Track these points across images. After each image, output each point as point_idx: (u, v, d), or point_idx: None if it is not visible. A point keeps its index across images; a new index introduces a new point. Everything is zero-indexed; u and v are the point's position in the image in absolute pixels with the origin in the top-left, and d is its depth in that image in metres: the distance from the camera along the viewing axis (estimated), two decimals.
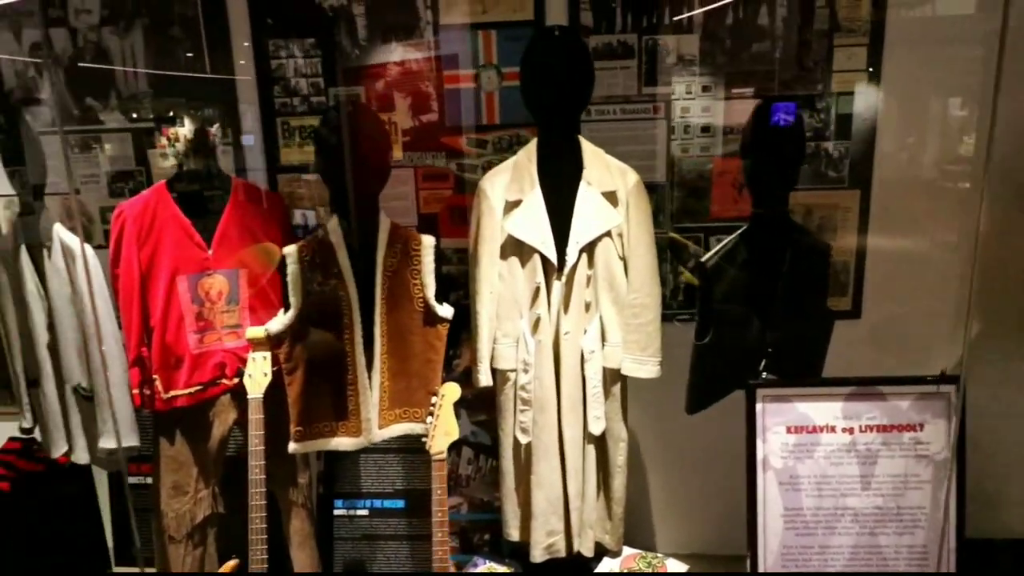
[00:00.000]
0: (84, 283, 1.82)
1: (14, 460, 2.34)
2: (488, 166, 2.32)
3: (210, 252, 2.03)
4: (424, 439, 1.91)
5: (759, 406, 1.71)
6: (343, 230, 1.85)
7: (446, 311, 1.95)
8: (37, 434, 2.16)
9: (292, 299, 1.83)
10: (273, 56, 2.32)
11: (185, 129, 2.17)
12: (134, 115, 2.44)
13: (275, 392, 1.94)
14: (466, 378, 2.08)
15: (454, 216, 2.39)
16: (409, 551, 2.45)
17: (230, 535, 2.26)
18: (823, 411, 1.68)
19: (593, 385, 1.96)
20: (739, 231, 1.76)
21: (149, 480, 2.54)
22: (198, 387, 2.06)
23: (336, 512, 2.48)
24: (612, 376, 1.99)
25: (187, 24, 2.34)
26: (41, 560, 2.40)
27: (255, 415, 1.92)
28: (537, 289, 1.93)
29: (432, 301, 1.91)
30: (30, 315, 1.95)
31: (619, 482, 2.05)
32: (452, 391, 1.92)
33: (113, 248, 1.97)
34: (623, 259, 1.93)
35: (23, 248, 1.92)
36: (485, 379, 2.00)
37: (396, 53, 2.29)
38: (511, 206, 1.91)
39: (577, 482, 2.02)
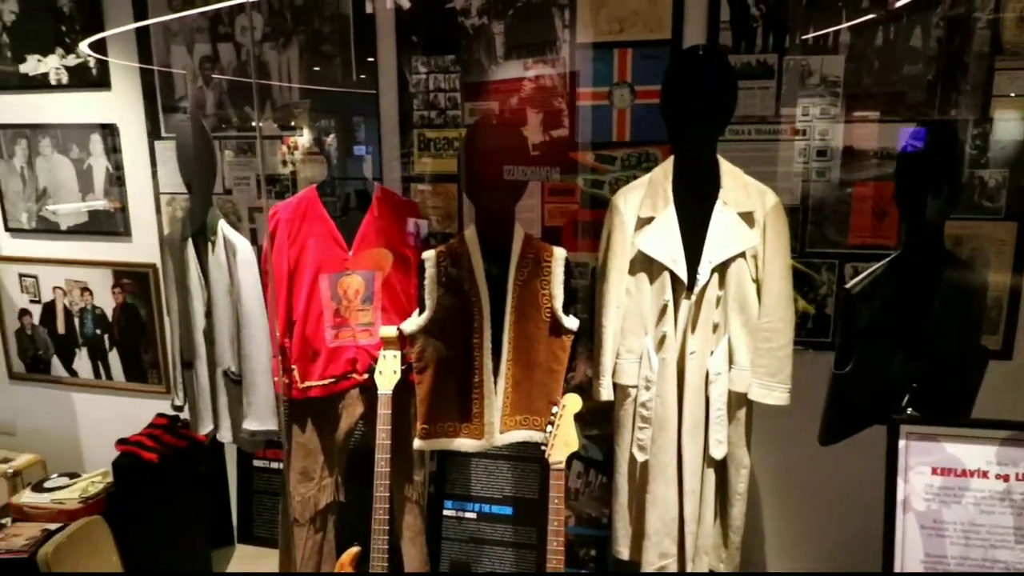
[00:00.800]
0: (241, 276, 1.96)
1: (161, 435, 2.54)
2: (615, 182, 2.33)
3: (350, 253, 2.14)
4: (543, 447, 1.92)
5: (902, 443, 1.62)
6: (479, 238, 1.90)
7: (572, 323, 1.96)
8: (186, 412, 2.33)
9: (427, 301, 1.91)
10: (415, 71, 2.42)
11: (303, 139, 2.35)
12: (289, 123, 2.60)
13: (399, 390, 2.01)
14: (579, 391, 2.09)
15: (578, 230, 2.41)
16: (514, 558, 2.47)
17: (348, 524, 2.37)
18: (975, 454, 1.57)
19: (717, 408, 1.91)
20: (889, 258, 1.69)
21: (273, 464, 2.76)
22: (331, 380, 2.17)
23: (445, 512, 2.54)
24: (737, 400, 1.94)
25: (338, 41, 2.49)
26: (176, 529, 2.58)
27: (384, 410, 2.00)
28: (665, 307, 1.91)
29: (560, 312, 1.94)
30: (191, 302, 2.11)
31: (738, 510, 1.99)
32: (573, 402, 1.93)
33: (267, 245, 2.12)
34: (756, 281, 1.88)
35: (189, 240, 2.08)
36: (607, 393, 2.00)
37: (531, 70, 2.35)
38: (643, 222, 1.91)
39: (694, 505, 1.98)
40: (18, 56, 2.80)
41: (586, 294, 2.36)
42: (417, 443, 2.00)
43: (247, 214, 2.70)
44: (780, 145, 2.19)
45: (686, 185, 1.88)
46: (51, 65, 2.77)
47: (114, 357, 2.98)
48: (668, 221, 1.87)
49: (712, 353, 1.91)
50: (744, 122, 2.18)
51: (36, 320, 3.04)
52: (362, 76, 2.49)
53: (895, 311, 1.64)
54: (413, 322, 1.93)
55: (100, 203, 2.80)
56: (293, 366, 2.15)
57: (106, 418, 3.05)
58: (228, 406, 2.12)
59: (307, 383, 2.16)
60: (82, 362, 3.03)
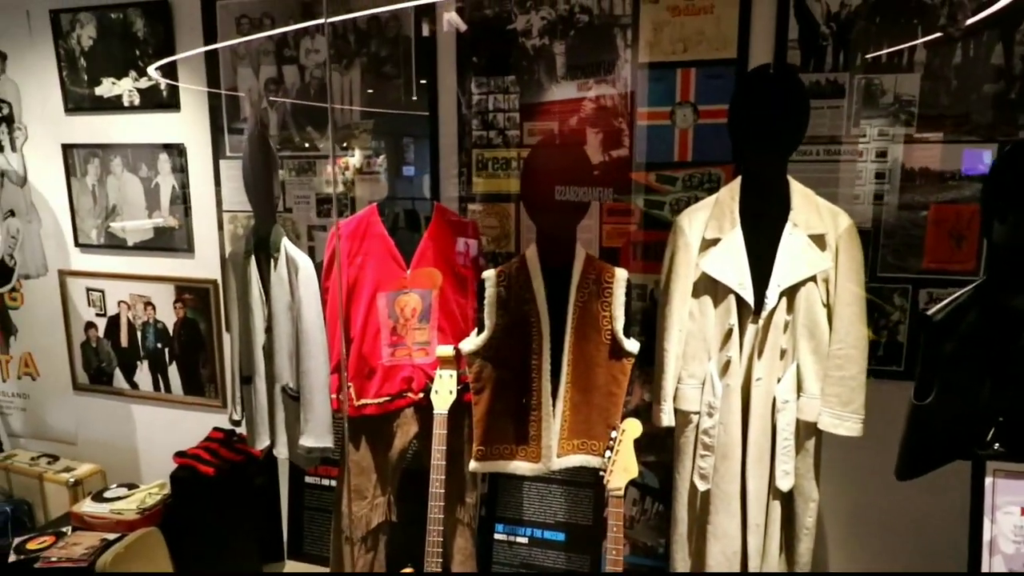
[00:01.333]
0: (302, 293, 1.97)
1: (218, 448, 2.56)
2: (676, 203, 2.29)
3: (408, 272, 2.13)
4: (601, 473, 1.87)
5: (988, 481, 1.52)
6: (540, 258, 1.87)
7: (632, 346, 1.92)
8: (243, 427, 2.34)
9: (486, 322, 1.88)
10: (474, 92, 2.43)
11: (355, 159, 2.36)
12: (344, 144, 2.64)
13: (454, 411, 1.99)
14: (635, 416, 2.03)
15: (636, 252, 2.36)
16: None
17: (399, 544, 2.35)
18: None
19: (784, 437, 1.84)
20: (973, 284, 1.60)
21: (324, 482, 2.74)
22: (386, 398, 2.16)
23: (496, 536, 2.49)
24: (806, 430, 1.86)
25: (400, 62, 2.51)
26: (229, 542, 2.59)
27: (439, 430, 1.98)
28: (730, 331, 1.85)
29: (620, 335, 1.89)
30: (252, 318, 2.13)
31: (806, 546, 1.90)
32: (633, 427, 1.88)
33: (327, 262, 2.13)
34: (827, 307, 1.81)
35: (252, 257, 2.11)
36: (668, 419, 1.94)
37: (591, 90, 2.33)
38: (708, 244, 1.86)
39: (758, 539, 1.90)
40: (94, 79, 2.91)
41: (644, 317, 2.31)
42: (473, 465, 1.97)
43: (306, 232, 2.72)
44: (849, 166, 2.11)
45: (754, 206, 1.83)
46: (124, 87, 2.87)
47: (173, 371, 3.03)
48: (735, 243, 1.82)
49: (779, 380, 1.84)
50: (813, 142, 2.11)
51: (101, 333, 3.12)
52: (420, 97, 2.50)
53: (981, 340, 1.55)
54: (471, 342, 1.91)
55: (161, 220, 2.87)
56: (349, 383, 2.15)
57: (164, 430, 3.10)
58: (285, 422, 2.12)
59: (363, 400, 2.16)
60: (143, 375, 3.09)
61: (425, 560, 1.94)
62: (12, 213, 3.16)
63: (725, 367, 1.87)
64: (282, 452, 2.14)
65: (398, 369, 2.16)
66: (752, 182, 1.84)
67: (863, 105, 2.08)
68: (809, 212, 1.79)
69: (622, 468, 1.86)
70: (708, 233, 1.86)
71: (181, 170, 2.85)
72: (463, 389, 2.06)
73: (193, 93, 2.78)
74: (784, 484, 1.85)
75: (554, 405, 1.91)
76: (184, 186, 2.86)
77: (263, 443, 2.21)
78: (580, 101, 2.35)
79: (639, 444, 2.23)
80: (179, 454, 2.56)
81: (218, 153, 2.79)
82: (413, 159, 2.59)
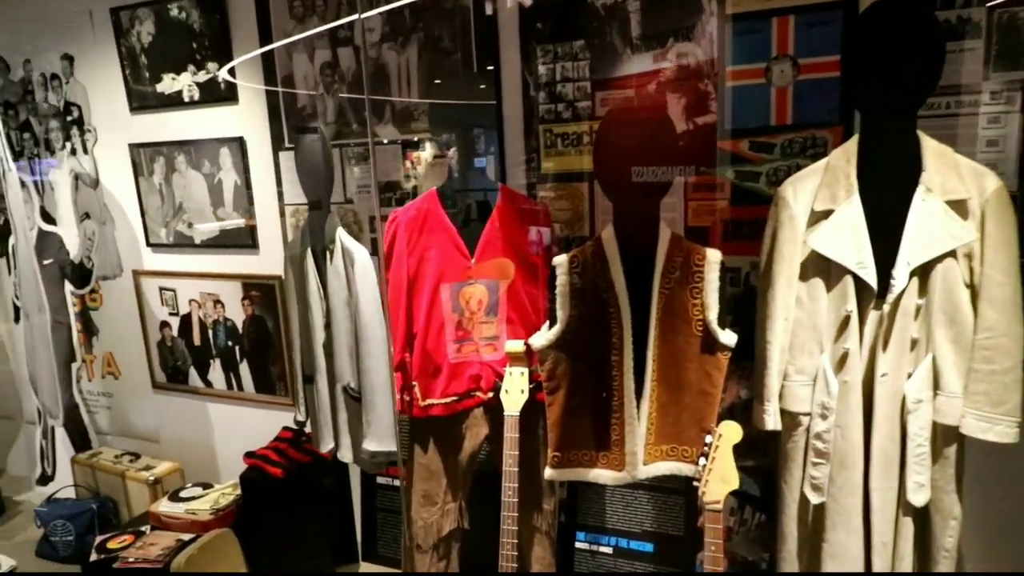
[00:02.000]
0: (360, 287, 1.81)
1: (287, 448, 2.47)
2: (773, 173, 2.00)
3: (472, 261, 1.95)
4: (694, 482, 1.63)
5: None
6: (618, 241, 1.64)
7: (728, 338, 1.66)
8: (309, 427, 2.23)
9: (559, 313, 1.67)
10: (540, 62, 2.21)
11: (426, 153, 2.22)
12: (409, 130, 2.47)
13: (527, 411, 1.81)
14: (730, 416, 1.78)
15: (728, 231, 2.08)
16: None
17: (472, 552, 2.18)
18: None
19: (918, 444, 1.54)
20: None
21: (396, 483, 2.61)
22: (453, 398, 1.99)
23: (578, 544, 2.28)
24: (945, 434, 1.55)
25: (459, 35, 2.31)
26: (301, 544, 2.50)
27: (511, 433, 1.80)
28: (847, 319, 1.57)
29: (714, 325, 1.64)
30: (311, 314, 2.01)
31: (945, 569, 1.59)
32: (732, 431, 1.62)
33: (386, 253, 1.97)
34: (971, 287, 1.49)
35: (309, 251, 1.97)
36: (773, 421, 1.68)
37: (671, 50, 2.06)
38: (819, 217, 1.58)
39: (885, 560, 1.61)
40: (155, 76, 2.86)
41: (738, 304, 2.03)
42: (548, 472, 1.77)
43: (368, 223, 2.57)
44: (990, 119, 1.76)
45: (876, 170, 1.53)
46: (184, 83, 2.80)
47: (244, 369, 2.98)
48: (852, 214, 1.52)
49: (910, 376, 1.54)
50: (943, 93, 1.77)
51: (175, 332, 3.10)
52: (485, 68, 2.29)
53: None
54: (543, 336, 1.70)
55: (240, 221, 2.78)
56: (414, 382, 1.99)
57: (238, 428, 3.05)
58: (348, 423, 2.00)
59: (428, 400, 1.99)
60: (216, 373, 3.05)
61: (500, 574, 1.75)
62: (87, 215, 3.18)
63: (841, 361, 1.59)
64: (346, 456, 2.02)
65: (465, 366, 1.99)
66: (873, 141, 1.54)
67: (1005, 46, 1.72)
68: (947, 173, 1.47)
69: (719, 478, 1.61)
70: (818, 204, 1.58)
71: (242, 165, 2.76)
72: (536, 388, 1.86)
73: (251, 85, 2.68)
74: (918, 498, 1.55)
75: (638, 406, 1.68)
76: (246, 181, 2.77)
77: (327, 445, 2.09)
78: (658, 63, 2.08)
79: (737, 448, 1.98)
80: (249, 455, 2.48)
81: (278, 145, 2.68)
82: (477, 150, 2.40)
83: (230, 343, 2.99)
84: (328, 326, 1.98)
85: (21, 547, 2.90)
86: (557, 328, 1.69)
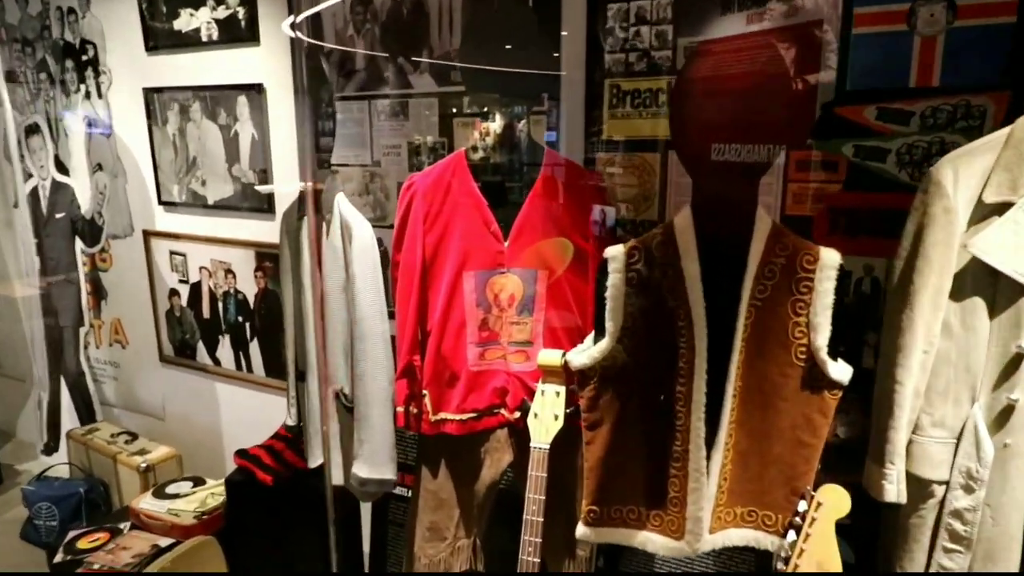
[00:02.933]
0: (358, 269, 1.46)
1: (283, 450, 2.18)
2: (908, 152, 1.55)
3: (506, 244, 1.59)
4: (779, 564, 1.21)
5: None
6: (697, 230, 1.22)
7: (841, 372, 1.23)
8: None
9: (609, 323, 1.27)
10: None
11: (495, 125, 1.85)
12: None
13: (563, 438, 1.45)
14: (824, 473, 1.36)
15: (837, 223, 1.63)
16: None
17: None
18: None
19: None
20: None
21: (408, 492, 2.28)
22: (471, 415, 1.64)
23: None
24: None
25: None
26: (295, 560, 2.20)
27: (537, 472, 1.43)
28: (1017, 359, 1.11)
29: (823, 354, 1.22)
30: (304, 299, 1.67)
31: None
32: (836, 499, 1.22)
33: (398, 228, 1.63)
34: None
35: (304, 221, 1.62)
36: (896, 491, 1.25)
37: None
38: (989, 211, 1.13)
39: None
40: (172, 11, 2.57)
41: (846, 319, 1.58)
42: (581, 531, 1.39)
43: (396, 190, 2.22)
44: None
45: None
46: (202, 19, 2.51)
47: (255, 348, 2.71)
48: None
49: None
50: None
51: (184, 302, 2.88)
52: (540, 9, 1.89)
53: None
54: (586, 352, 1.31)
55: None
56: (424, 391, 1.64)
57: (245, 414, 2.80)
58: (340, 437, 1.66)
59: (441, 415, 1.65)
60: (225, 350, 2.80)
61: None
62: (100, 167, 2.95)
63: (1003, 416, 1.15)
64: (335, 476, 1.69)
65: (488, 376, 1.63)
66: None
67: None
68: None
69: (814, 562, 1.20)
70: (990, 194, 1.13)
71: (260, 115, 2.44)
72: (574, 413, 1.47)
73: (273, 24, 2.36)
74: None
75: (709, 455, 1.27)
76: (263, 134, 2.46)
77: (317, 459, 1.78)
78: (762, 4, 1.64)
79: None
80: (240, 453, 2.20)
81: (302, 93, 2.34)
82: (522, 125, 2.01)
83: (240, 318, 2.72)
84: (323, 315, 1.62)
85: (8, 526, 2.72)
86: (605, 343, 1.29)
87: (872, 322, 1.56)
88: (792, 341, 1.24)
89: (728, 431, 1.27)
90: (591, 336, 1.37)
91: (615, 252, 1.26)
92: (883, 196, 1.56)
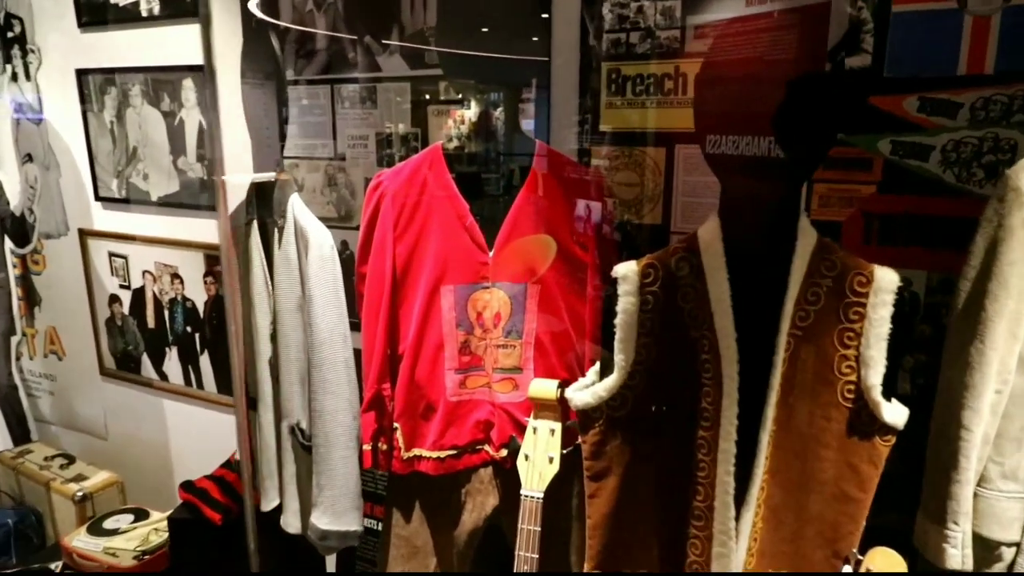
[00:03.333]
0: (315, 285, 1.25)
1: (235, 480, 1.93)
2: (954, 149, 1.38)
3: (491, 254, 1.41)
4: None
5: None
6: (726, 244, 1.03)
7: (896, 414, 1.06)
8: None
9: (619, 356, 1.07)
10: None
11: (471, 112, 1.74)
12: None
13: (558, 479, 1.27)
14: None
15: (874, 230, 1.46)
16: None
17: None
18: None
19: None
20: None
21: (379, 526, 2.07)
22: (450, 452, 1.46)
23: None
24: None
25: None
26: None
27: (529, 525, 1.24)
28: None
29: (876, 393, 1.04)
30: (254, 316, 1.47)
31: None
32: (889, 564, 1.05)
33: (363, 235, 1.43)
34: None
35: (255, 225, 1.41)
36: (959, 556, 1.08)
37: None
38: None
39: None
40: None
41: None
42: None
43: (363, 186, 2.00)
44: None
45: None
46: None
47: (206, 362, 2.49)
48: None
49: None
50: None
51: (126, 309, 2.64)
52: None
53: None
54: (590, 389, 1.12)
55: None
56: (395, 424, 1.45)
57: (196, 435, 2.58)
58: (296, 478, 1.47)
59: (415, 451, 1.47)
60: (172, 364, 2.58)
61: None
62: (29, 158, 2.68)
63: None
64: (292, 523, 1.50)
65: (470, 408, 1.46)
66: None
67: None
68: None
69: None
70: None
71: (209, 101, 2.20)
72: (572, 453, 1.29)
73: None
74: None
75: (738, 514, 1.08)
76: (212, 122, 2.21)
77: (271, 502, 1.57)
78: None
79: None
80: (185, 486, 1.96)
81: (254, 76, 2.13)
82: (499, 113, 1.83)
83: (189, 328, 2.49)
84: (275, 337, 1.41)
85: None
86: (613, 379, 1.10)
87: (910, 344, 1.39)
88: (838, 378, 1.05)
89: (763, 484, 1.08)
90: (594, 369, 1.17)
91: (626, 271, 1.06)
92: (925, 200, 1.39)
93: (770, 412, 1.05)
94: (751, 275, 1.05)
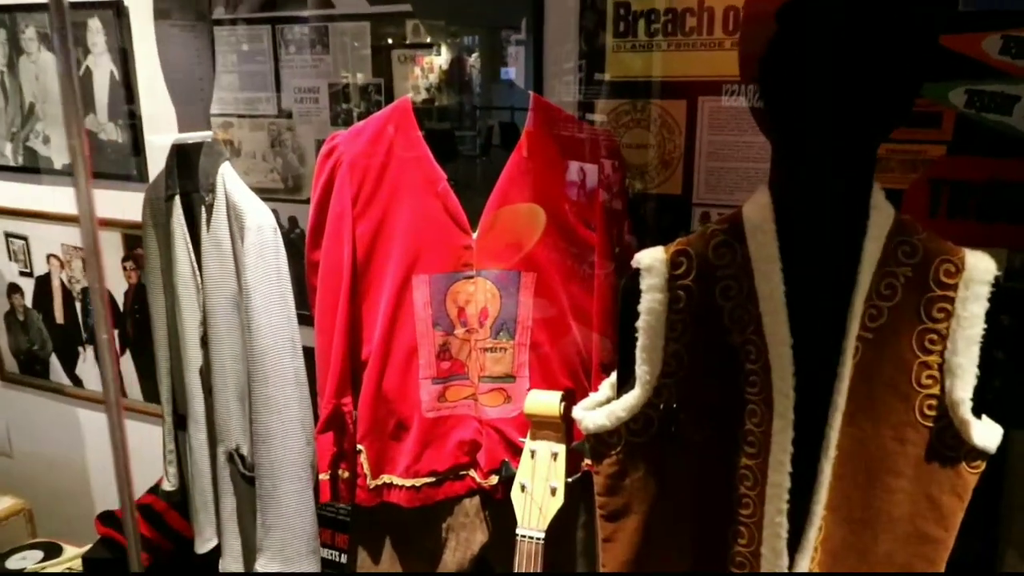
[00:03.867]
0: (252, 277, 1.16)
1: (165, 512, 1.86)
2: None
3: (475, 236, 1.36)
4: None
5: None
6: (779, 225, 0.94)
7: (988, 435, 1.00)
8: None
9: (642, 367, 0.99)
10: None
11: (441, 59, 1.79)
12: None
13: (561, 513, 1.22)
14: None
15: (943, 199, 1.41)
16: None
17: None
18: None
19: None
20: None
21: (343, 559, 2.02)
22: (428, 479, 1.43)
23: None
24: None
25: None
26: None
27: (526, 569, 1.17)
28: None
29: (964, 410, 0.97)
30: (180, 312, 1.38)
31: None
32: None
33: (315, 213, 1.38)
34: None
35: (177, 202, 1.30)
36: None
37: None
38: None
39: None
40: None
41: None
42: None
43: (314, 150, 1.93)
44: None
45: None
46: None
47: (128, 363, 2.43)
48: None
49: None
50: None
51: (29, 301, 2.58)
52: None
53: None
54: (604, 409, 1.04)
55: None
56: (359, 447, 1.41)
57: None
58: (237, 514, 1.41)
59: (384, 479, 1.43)
60: (87, 366, 2.54)
61: None
62: None
63: None
64: (230, 567, 1.42)
65: (451, 425, 1.42)
66: None
67: None
68: None
69: None
70: None
71: (121, 47, 2.14)
72: (580, 483, 1.27)
73: None
74: None
75: (792, 561, 1.01)
76: (127, 73, 2.12)
77: (207, 542, 1.53)
78: None
79: None
80: (104, 518, 1.90)
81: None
82: (474, 60, 1.81)
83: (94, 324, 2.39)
84: (206, 341, 1.32)
85: None
86: (634, 396, 1.01)
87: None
88: (916, 391, 0.97)
89: (823, 522, 1.00)
90: (609, 383, 1.09)
91: (652, 259, 0.97)
92: (1006, 163, 1.34)
93: (833, 435, 0.97)
94: (809, 265, 0.96)
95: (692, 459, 1.03)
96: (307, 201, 1.91)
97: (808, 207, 0.94)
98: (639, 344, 0.99)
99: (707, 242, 0.98)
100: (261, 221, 1.27)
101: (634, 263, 0.99)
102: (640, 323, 0.98)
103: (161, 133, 2.14)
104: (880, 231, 0.94)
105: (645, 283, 0.97)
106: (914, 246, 0.95)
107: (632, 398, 1.01)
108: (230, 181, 1.30)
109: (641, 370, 0.99)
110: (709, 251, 0.97)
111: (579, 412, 1.07)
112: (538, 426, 1.23)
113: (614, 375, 1.10)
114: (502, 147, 1.43)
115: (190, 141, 1.46)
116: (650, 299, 0.97)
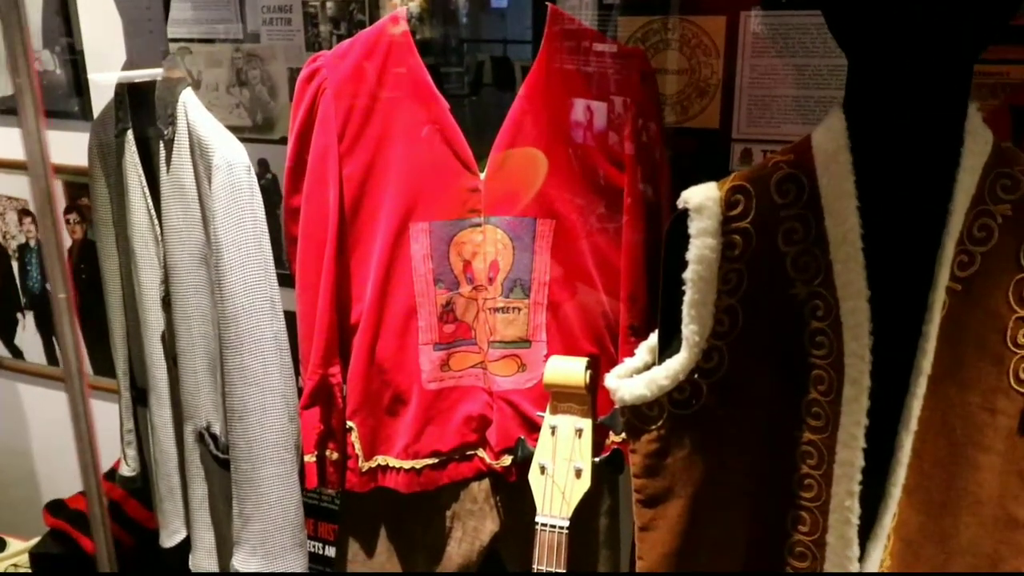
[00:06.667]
0: (221, 226, 1.13)
1: (122, 501, 1.88)
2: None
3: (482, 175, 1.34)
4: None
5: None
6: (855, 156, 0.90)
7: None
8: None
9: (689, 326, 0.98)
10: None
11: None
12: None
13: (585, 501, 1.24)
14: None
15: None
16: None
17: None
18: None
19: None
20: None
21: (328, 551, 2.11)
22: (430, 460, 1.44)
23: None
24: None
25: None
26: None
27: (546, 566, 1.24)
28: None
29: None
30: (136, 275, 1.37)
31: None
32: None
33: (293, 151, 1.37)
34: None
35: (129, 137, 1.27)
36: None
37: None
38: None
39: None
40: None
41: None
42: None
43: (288, 80, 1.94)
44: None
45: None
46: None
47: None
48: None
49: None
50: None
51: None
52: None
53: None
54: (643, 379, 1.03)
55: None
56: (350, 423, 1.41)
57: (70, 433, 2.47)
58: (208, 502, 1.43)
59: (379, 460, 1.45)
60: (28, 335, 2.57)
61: None
62: None
63: None
64: (204, 565, 1.43)
65: (456, 398, 1.43)
66: None
67: None
68: None
69: None
70: None
71: None
72: (608, 464, 1.27)
73: None
74: None
75: (863, 551, 1.01)
76: None
77: (174, 534, 1.55)
78: None
79: None
80: (54, 508, 1.91)
81: None
82: None
83: (48, 287, 2.37)
84: (168, 301, 1.30)
85: None
86: (680, 361, 0.99)
87: None
88: (1012, 352, 0.96)
89: (899, 508, 1.00)
90: (647, 345, 1.07)
91: (703, 198, 0.93)
92: None
93: (915, 405, 0.95)
94: (890, 202, 0.94)
95: (746, 434, 1.03)
96: (280, 141, 1.91)
97: (891, 133, 0.92)
98: (687, 299, 0.96)
99: (768, 176, 0.94)
100: (231, 158, 1.23)
101: (681, 203, 0.95)
102: (688, 274, 0.95)
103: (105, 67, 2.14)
104: (976, 161, 0.91)
105: (695, 226, 0.94)
106: (1016, 180, 0.92)
107: (677, 363, 0.99)
108: (193, 111, 1.26)
109: (688, 330, 0.97)
110: (772, 187, 0.94)
111: (613, 381, 1.05)
112: (559, 398, 1.23)
113: (652, 337, 1.08)
114: (514, 74, 1.40)
115: (140, 78, 1.44)
116: (700, 245, 0.94)
